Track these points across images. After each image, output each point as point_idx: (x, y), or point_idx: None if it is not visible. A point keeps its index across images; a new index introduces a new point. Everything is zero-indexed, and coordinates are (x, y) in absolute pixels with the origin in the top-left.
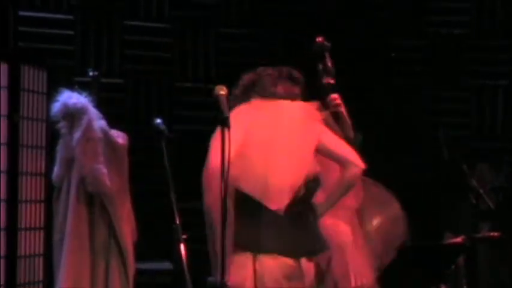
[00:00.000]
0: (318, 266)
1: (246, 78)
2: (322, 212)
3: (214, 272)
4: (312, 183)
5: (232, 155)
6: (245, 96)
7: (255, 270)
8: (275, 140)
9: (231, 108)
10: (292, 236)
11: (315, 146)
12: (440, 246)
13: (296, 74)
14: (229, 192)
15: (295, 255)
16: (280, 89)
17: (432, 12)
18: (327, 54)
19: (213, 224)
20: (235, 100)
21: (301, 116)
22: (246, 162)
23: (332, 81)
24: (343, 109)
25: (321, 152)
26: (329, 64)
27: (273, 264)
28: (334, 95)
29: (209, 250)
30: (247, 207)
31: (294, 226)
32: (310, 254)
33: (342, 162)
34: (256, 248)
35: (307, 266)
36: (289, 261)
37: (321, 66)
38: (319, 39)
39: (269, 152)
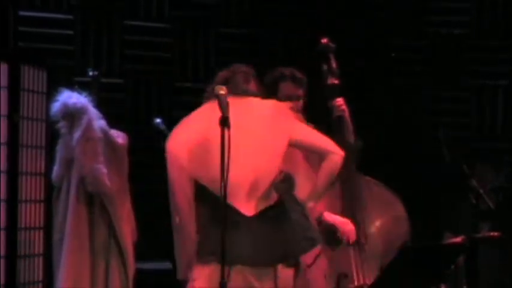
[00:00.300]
0: (297, 270)
1: (220, 75)
2: (310, 207)
3: (179, 273)
4: (282, 184)
5: (191, 142)
6: None
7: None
8: (240, 137)
9: None
10: (267, 241)
11: (286, 143)
12: (440, 246)
13: (299, 75)
14: (190, 181)
15: (271, 263)
16: (252, 86)
17: (432, 12)
18: (332, 55)
19: (179, 224)
20: (209, 98)
21: (270, 114)
22: (208, 157)
23: (336, 82)
24: (347, 114)
25: (297, 146)
26: (333, 65)
27: (245, 274)
28: (339, 100)
29: (175, 253)
30: (217, 212)
31: (270, 230)
32: (288, 258)
33: (321, 153)
34: (229, 258)
35: (284, 271)
36: (263, 268)
37: (325, 67)
38: (324, 40)
39: (232, 148)
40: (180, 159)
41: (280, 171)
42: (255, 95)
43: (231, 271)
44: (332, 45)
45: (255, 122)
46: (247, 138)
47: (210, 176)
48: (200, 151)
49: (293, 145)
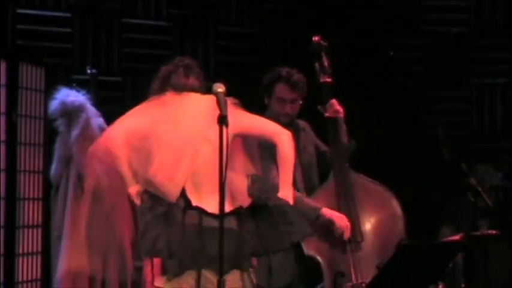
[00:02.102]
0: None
1: (164, 69)
2: (287, 196)
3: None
4: (254, 186)
5: (130, 135)
6: (162, 90)
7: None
8: (181, 135)
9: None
10: (237, 242)
11: (231, 134)
12: (439, 244)
13: (296, 78)
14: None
15: (239, 264)
16: (192, 80)
17: (431, 11)
18: (323, 54)
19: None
20: (154, 94)
21: (209, 108)
22: (149, 156)
23: (329, 80)
24: (342, 115)
25: (243, 135)
26: (326, 63)
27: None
28: (334, 101)
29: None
30: (183, 215)
31: (239, 231)
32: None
33: (269, 137)
34: (199, 262)
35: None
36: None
37: (317, 65)
38: (315, 38)
39: (174, 146)
40: (113, 149)
41: (247, 175)
42: (194, 90)
43: (201, 280)
44: (324, 43)
45: (195, 119)
46: (189, 136)
47: (146, 175)
48: (140, 147)
49: (239, 135)
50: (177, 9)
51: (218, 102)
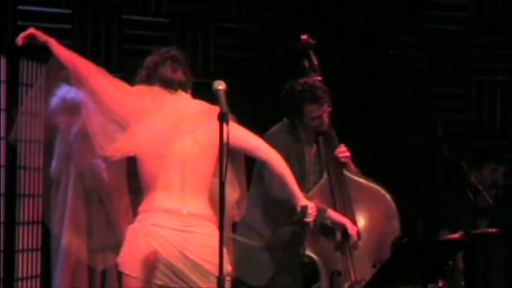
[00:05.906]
0: None
1: (150, 60)
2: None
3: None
4: None
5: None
6: (149, 81)
7: None
8: (175, 138)
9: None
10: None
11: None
12: (438, 242)
13: (319, 92)
14: None
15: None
16: (179, 74)
17: (431, 8)
18: (312, 52)
19: None
20: (140, 85)
21: (202, 112)
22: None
23: (319, 79)
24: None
25: (235, 147)
26: (315, 61)
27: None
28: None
29: None
30: None
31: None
32: None
33: (263, 154)
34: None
35: None
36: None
37: (306, 64)
38: (303, 36)
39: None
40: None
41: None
42: (182, 85)
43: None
44: (312, 41)
45: (180, 114)
46: (169, 125)
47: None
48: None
49: (229, 145)
50: (177, 5)
51: (218, 99)
